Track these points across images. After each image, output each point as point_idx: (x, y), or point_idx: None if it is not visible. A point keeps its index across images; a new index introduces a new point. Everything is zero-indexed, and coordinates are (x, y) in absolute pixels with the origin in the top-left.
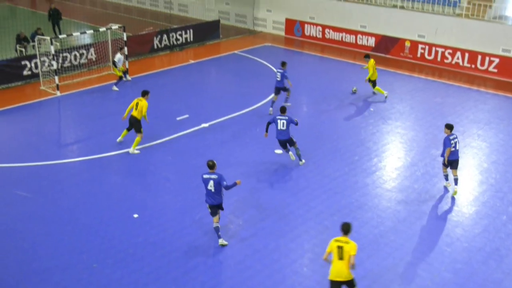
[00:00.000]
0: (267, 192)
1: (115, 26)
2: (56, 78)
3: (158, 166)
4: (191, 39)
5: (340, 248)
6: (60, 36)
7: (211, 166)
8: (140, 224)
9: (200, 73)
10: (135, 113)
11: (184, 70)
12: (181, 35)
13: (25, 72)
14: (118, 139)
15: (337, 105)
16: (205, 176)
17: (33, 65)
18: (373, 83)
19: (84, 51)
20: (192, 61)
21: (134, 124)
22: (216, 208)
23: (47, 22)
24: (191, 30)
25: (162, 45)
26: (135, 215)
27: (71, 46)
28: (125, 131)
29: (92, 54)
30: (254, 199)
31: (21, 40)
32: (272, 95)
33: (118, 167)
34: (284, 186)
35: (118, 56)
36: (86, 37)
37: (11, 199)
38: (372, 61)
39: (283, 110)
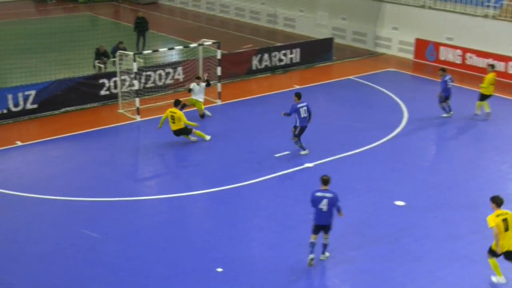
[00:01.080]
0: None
1: (208, 42)
2: (137, 100)
3: (248, 211)
4: (297, 60)
5: (505, 220)
6: (144, 52)
7: (326, 181)
8: (225, 280)
9: (306, 101)
10: (174, 127)
11: (287, 97)
12: (285, 54)
13: (103, 92)
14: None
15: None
16: (318, 194)
17: (111, 84)
18: (483, 97)
19: (171, 70)
20: (297, 87)
21: (181, 133)
22: (324, 228)
23: (130, 36)
24: (298, 50)
25: (262, 65)
26: (219, 269)
27: (156, 63)
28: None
29: (179, 74)
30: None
31: (101, 55)
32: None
33: (201, 209)
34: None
35: (194, 86)
36: (173, 54)
37: (77, 238)
38: (492, 74)
39: (299, 96)
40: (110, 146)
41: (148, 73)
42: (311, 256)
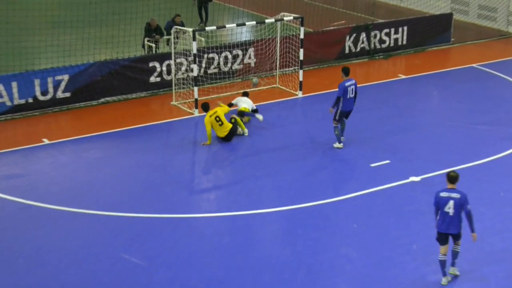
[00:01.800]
0: None
1: (288, 17)
2: (196, 90)
3: (334, 236)
4: (404, 42)
5: None
6: (207, 29)
7: (454, 179)
8: None
9: (413, 96)
10: (222, 132)
11: (389, 89)
12: (388, 34)
13: (153, 79)
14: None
15: None
16: (443, 194)
17: (164, 68)
18: None
19: (240, 52)
20: (402, 76)
21: (233, 134)
22: (450, 236)
23: (189, 8)
24: (405, 28)
25: (358, 48)
26: None
27: (221, 43)
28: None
29: (250, 57)
30: None
31: (152, 31)
32: None
33: (273, 231)
34: None
35: (242, 100)
36: (244, 32)
37: (115, 265)
38: None
39: (347, 71)
40: (160, 148)
41: (211, 55)
42: (445, 280)
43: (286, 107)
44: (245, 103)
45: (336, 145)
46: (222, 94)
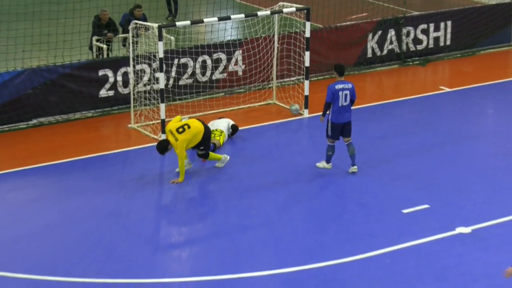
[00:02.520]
0: None
1: (289, 9)
2: (162, 107)
3: None
4: (447, 42)
5: None
6: (178, 24)
7: (344, 69)
8: None
9: (460, 116)
10: (193, 141)
11: (427, 106)
12: (426, 31)
13: (104, 93)
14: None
15: None
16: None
17: (119, 78)
18: None
19: (223, 56)
20: (445, 89)
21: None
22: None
23: None
24: (449, 23)
25: (384, 51)
26: None
27: (197, 44)
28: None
29: (237, 63)
30: None
31: (103, 27)
32: None
33: None
34: None
35: (220, 123)
36: (229, 28)
37: None
38: None
39: (341, 70)
40: (114, 187)
41: (184, 60)
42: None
43: (286, 131)
44: (221, 125)
45: (322, 164)
46: (197, 114)
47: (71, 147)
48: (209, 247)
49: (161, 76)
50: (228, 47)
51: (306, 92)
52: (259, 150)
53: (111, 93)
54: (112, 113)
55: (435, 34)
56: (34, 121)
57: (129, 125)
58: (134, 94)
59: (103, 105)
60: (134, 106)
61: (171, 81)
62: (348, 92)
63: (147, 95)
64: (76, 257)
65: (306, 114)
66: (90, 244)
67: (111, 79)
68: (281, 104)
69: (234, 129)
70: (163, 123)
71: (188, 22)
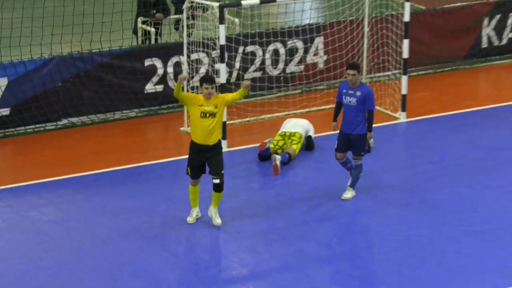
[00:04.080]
0: None
1: None
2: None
3: None
4: None
5: None
6: (244, 3)
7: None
8: None
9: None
10: None
11: None
12: None
13: (150, 87)
14: None
15: None
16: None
17: (170, 70)
18: None
19: (300, 44)
20: None
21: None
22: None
23: None
24: None
25: (504, 40)
26: None
27: (268, 28)
28: None
29: (318, 53)
30: None
31: (150, 6)
32: None
33: None
34: None
35: (299, 124)
36: (307, 9)
37: None
38: None
39: (355, 68)
40: (162, 204)
41: (250, 48)
42: None
43: (381, 138)
44: (295, 128)
45: (346, 195)
46: (267, 116)
47: (108, 155)
48: (279, 283)
49: (222, 67)
50: (306, 33)
51: (404, 90)
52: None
53: (159, 88)
54: (160, 113)
55: None
56: (64, 122)
57: (182, 128)
58: (188, 90)
59: (150, 103)
60: None
61: (234, 74)
62: (354, 99)
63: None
64: None
65: (403, 118)
66: (130, 274)
67: (160, 71)
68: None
69: (309, 143)
70: (224, 126)
71: (256, 1)
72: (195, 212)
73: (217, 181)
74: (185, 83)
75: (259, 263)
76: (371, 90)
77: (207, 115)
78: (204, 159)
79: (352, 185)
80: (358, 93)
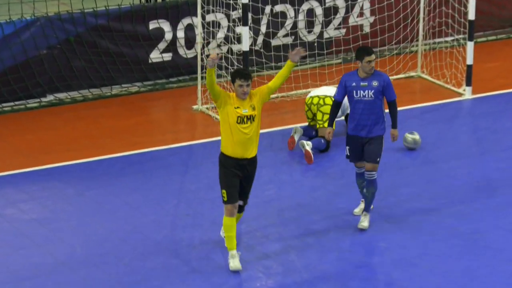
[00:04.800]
0: None
1: None
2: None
3: None
4: None
5: None
6: None
7: None
8: None
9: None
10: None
11: None
12: None
13: (155, 56)
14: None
15: None
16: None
17: (181, 34)
18: None
19: (340, 2)
20: None
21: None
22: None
23: None
24: None
25: None
26: None
27: None
28: None
29: (363, 14)
30: None
31: None
32: None
33: None
34: None
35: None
36: None
37: None
38: None
39: (364, 53)
40: (172, 200)
41: (279, 8)
42: None
43: (438, 120)
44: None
45: (367, 220)
46: (300, 91)
47: (104, 139)
48: None
49: (244, 31)
50: None
51: (469, 60)
52: (395, 153)
53: (167, 56)
54: (169, 88)
55: None
56: (50, 98)
57: (195, 107)
58: (203, 60)
59: (155, 76)
60: (202, 78)
61: (259, 40)
62: (368, 91)
63: (222, 61)
64: None
65: (468, 94)
66: (135, 282)
67: (168, 36)
68: (429, 79)
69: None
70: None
71: None
72: (237, 257)
73: (241, 203)
74: (198, 50)
75: (288, 273)
76: (388, 76)
77: (245, 119)
78: (242, 176)
79: (368, 209)
80: (375, 83)
